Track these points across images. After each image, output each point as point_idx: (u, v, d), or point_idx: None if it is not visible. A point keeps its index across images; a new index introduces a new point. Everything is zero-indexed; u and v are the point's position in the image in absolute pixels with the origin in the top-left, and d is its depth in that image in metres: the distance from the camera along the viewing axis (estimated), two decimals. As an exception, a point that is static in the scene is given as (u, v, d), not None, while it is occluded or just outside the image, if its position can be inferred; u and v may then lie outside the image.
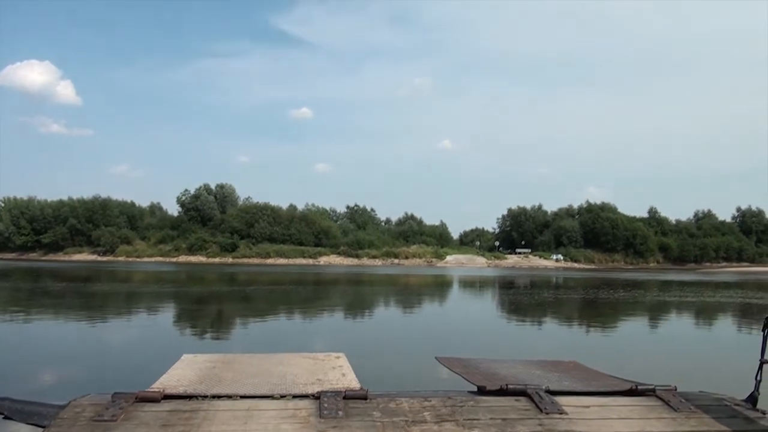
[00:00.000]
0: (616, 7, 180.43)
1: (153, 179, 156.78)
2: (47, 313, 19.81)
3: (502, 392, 3.22)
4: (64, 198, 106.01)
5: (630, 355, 12.84)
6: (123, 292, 29.78)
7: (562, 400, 3.16)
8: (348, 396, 3.07)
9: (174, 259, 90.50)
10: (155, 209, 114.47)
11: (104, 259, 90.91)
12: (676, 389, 3.37)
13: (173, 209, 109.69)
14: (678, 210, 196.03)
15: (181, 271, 58.31)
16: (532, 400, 3.12)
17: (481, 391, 3.31)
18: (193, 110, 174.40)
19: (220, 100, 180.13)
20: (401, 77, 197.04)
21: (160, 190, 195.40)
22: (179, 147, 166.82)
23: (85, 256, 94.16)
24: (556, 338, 15.87)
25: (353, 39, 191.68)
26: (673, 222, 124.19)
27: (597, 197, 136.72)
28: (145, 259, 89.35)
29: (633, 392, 3.34)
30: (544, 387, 3.28)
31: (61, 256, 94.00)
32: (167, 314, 21.17)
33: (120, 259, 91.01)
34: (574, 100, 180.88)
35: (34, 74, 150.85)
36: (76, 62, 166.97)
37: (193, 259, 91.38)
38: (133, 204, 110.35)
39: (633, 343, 15.14)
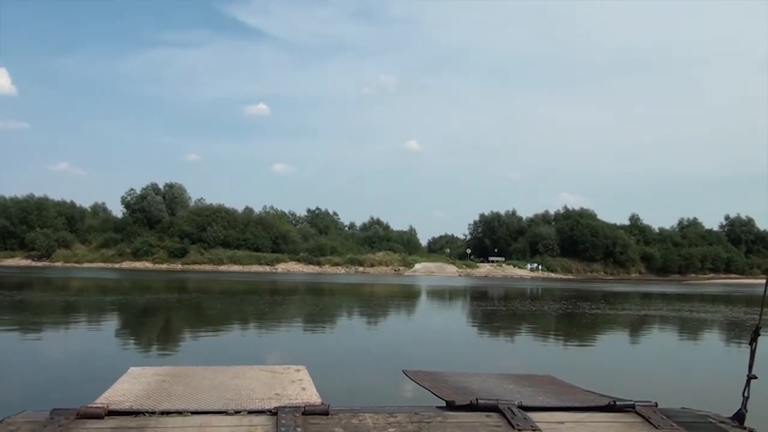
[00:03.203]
0: (594, 6, 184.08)
1: (96, 178, 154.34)
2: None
3: (472, 407, 3.26)
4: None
5: (608, 370, 13.06)
6: (60, 302, 29.19)
7: (535, 416, 3.20)
8: (308, 411, 3.08)
9: (117, 265, 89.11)
10: (98, 210, 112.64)
11: (39, 264, 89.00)
12: (656, 405, 3.41)
13: (118, 210, 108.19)
14: (661, 218, 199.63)
15: (125, 278, 57.41)
16: (504, 416, 3.16)
17: (450, 407, 3.34)
18: (141, 104, 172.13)
19: (170, 94, 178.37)
20: (365, 74, 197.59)
21: (104, 189, 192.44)
22: (125, 143, 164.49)
23: (18, 261, 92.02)
24: (530, 352, 16.05)
25: (315, 33, 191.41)
26: (656, 230, 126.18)
27: (570, 204, 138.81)
28: (86, 265, 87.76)
29: (611, 408, 3.38)
30: (516, 402, 3.31)
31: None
32: (111, 326, 20.83)
33: (57, 264, 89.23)
34: (547, 101, 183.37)
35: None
36: (12, 48, 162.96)
37: (138, 265, 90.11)
38: (72, 204, 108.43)
39: (611, 358, 15.39)
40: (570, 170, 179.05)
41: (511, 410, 3.20)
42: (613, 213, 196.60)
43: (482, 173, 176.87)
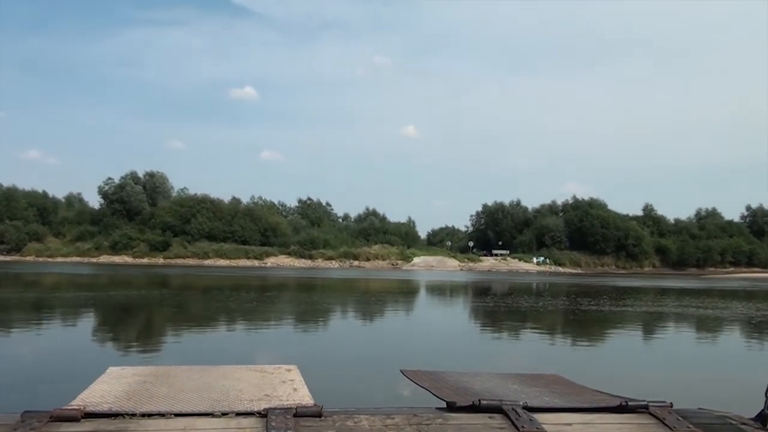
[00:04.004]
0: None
1: (71, 167, 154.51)
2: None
3: (474, 408, 3.28)
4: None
5: (619, 370, 13.11)
6: (32, 299, 29.17)
7: (541, 417, 3.23)
8: (299, 413, 3.10)
9: (94, 260, 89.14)
10: (73, 201, 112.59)
11: (9, 259, 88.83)
12: (671, 406, 3.43)
13: (94, 201, 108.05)
14: (677, 208, 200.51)
15: (102, 273, 57.35)
16: (508, 418, 3.18)
17: (451, 408, 3.36)
18: (120, 88, 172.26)
19: (150, 77, 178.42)
20: (359, 55, 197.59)
21: (80, 179, 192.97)
22: (102, 129, 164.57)
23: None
24: (536, 350, 16.09)
25: (305, 10, 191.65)
26: (672, 221, 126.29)
27: (579, 193, 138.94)
28: (59, 260, 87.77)
29: (623, 409, 3.40)
30: (521, 403, 3.34)
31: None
32: (87, 323, 20.84)
33: (28, 259, 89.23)
34: (554, 85, 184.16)
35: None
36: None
37: (117, 259, 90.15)
38: (45, 195, 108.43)
39: (622, 357, 15.45)
40: (579, 158, 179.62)
41: (516, 411, 3.23)
42: (624, 203, 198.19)
43: (485, 161, 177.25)
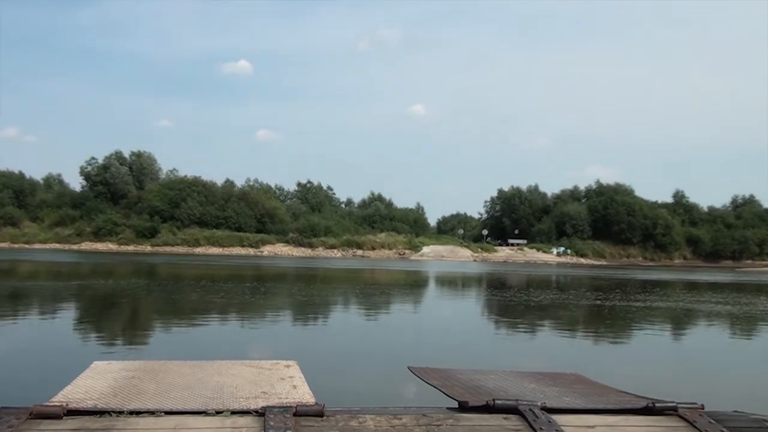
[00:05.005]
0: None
1: (50, 145, 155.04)
2: None
3: (488, 409, 3.30)
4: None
5: (646, 369, 13.12)
6: (7, 289, 29.30)
7: (561, 418, 3.24)
8: (299, 412, 3.12)
9: (75, 246, 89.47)
10: (52, 182, 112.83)
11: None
12: (703, 407, 3.43)
13: (76, 183, 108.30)
14: (711, 195, 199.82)
15: (84, 261, 57.55)
16: (525, 419, 3.20)
17: (463, 408, 3.39)
18: (103, 61, 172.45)
19: (136, 50, 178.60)
20: (362, 26, 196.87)
21: (60, 159, 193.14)
22: (85, 106, 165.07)
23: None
24: (555, 347, 16.14)
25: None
26: (705, 209, 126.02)
27: (603, 178, 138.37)
28: (37, 246, 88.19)
29: (649, 410, 3.42)
30: (539, 403, 3.36)
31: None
32: (69, 315, 20.93)
33: (2, 245, 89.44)
34: (576, 57, 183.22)
35: None
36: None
37: (100, 246, 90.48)
38: (21, 176, 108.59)
39: (649, 355, 15.46)
40: (602, 139, 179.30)
41: (533, 412, 3.24)
42: (653, 189, 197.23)
43: (500, 142, 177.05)
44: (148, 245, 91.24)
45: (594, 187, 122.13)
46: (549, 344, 17.24)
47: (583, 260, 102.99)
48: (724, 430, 3.22)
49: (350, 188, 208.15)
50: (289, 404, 3.21)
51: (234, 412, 3.17)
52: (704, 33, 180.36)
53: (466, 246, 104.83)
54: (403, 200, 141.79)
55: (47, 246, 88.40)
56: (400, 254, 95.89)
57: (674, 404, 3.42)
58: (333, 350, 14.54)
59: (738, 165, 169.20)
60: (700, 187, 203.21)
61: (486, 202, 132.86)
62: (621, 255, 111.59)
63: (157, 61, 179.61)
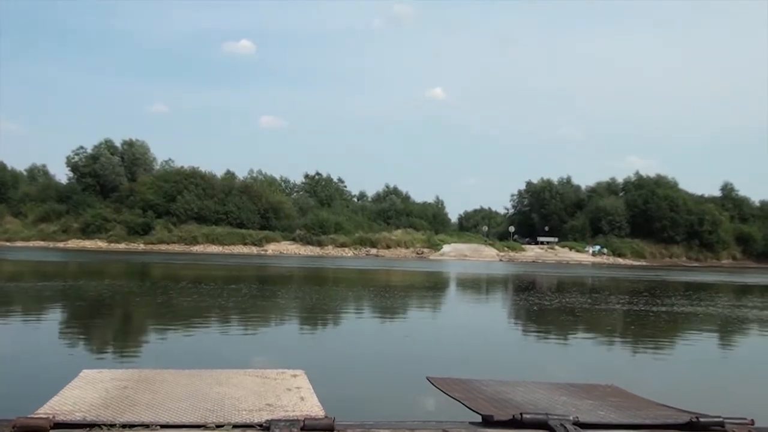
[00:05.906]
0: None
1: (34, 134, 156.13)
2: None
3: (515, 424, 3.30)
4: None
5: (689, 380, 13.08)
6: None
7: (595, 435, 3.24)
8: (308, 426, 3.14)
9: (61, 244, 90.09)
10: (36, 174, 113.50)
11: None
12: (753, 423, 3.43)
13: (62, 175, 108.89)
14: (764, 189, 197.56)
15: (71, 260, 57.87)
16: (556, 435, 3.20)
17: (487, 422, 3.39)
18: (91, 42, 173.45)
19: (127, 28, 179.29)
20: (375, 2, 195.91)
21: (44, 148, 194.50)
22: (72, 90, 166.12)
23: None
24: (589, 357, 16.11)
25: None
26: (757, 204, 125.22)
27: (642, 169, 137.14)
28: (19, 244, 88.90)
29: (693, 426, 3.41)
30: (571, 417, 3.36)
31: None
32: (55, 319, 21.03)
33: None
34: (612, 37, 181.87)
35: None
36: None
37: (88, 244, 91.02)
38: (3, 167, 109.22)
39: (694, 366, 15.40)
40: (641, 126, 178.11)
41: (565, 427, 3.24)
42: (698, 182, 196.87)
43: (527, 129, 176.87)
44: (141, 243, 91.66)
45: (633, 179, 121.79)
46: (583, 352, 17.22)
47: (620, 260, 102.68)
48: None
49: (363, 181, 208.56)
50: (296, 417, 3.23)
51: (236, 426, 3.19)
52: (757, 12, 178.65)
53: (490, 244, 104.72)
54: (421, 194, 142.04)
55: (30, 244, 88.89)
56: (417, 253, 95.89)
57: (721, 419, 3.41)
58: (344, 358, 14.56)
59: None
60: (752, 179, 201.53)
61: (513, 195, 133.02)
62: (663, 255, 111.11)
63: (151, 41, 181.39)
